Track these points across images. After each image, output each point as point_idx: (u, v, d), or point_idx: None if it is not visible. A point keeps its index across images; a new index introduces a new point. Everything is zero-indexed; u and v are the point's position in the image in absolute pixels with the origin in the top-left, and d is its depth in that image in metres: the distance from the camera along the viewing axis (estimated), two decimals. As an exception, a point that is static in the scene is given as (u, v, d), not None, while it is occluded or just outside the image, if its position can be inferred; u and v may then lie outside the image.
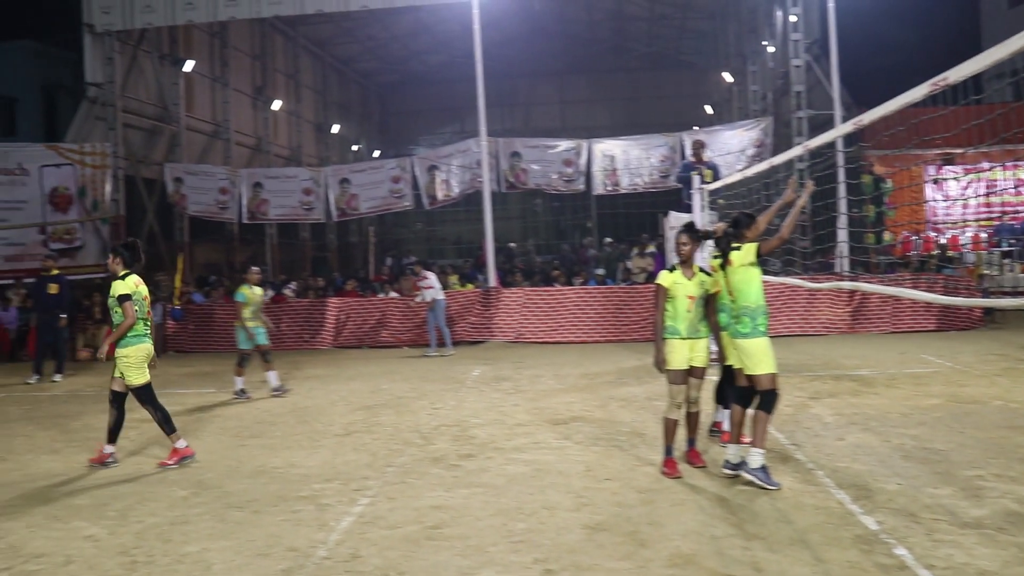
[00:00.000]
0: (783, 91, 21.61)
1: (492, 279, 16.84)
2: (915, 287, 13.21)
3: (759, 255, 6.14)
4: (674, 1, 31.02)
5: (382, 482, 6.51)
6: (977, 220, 19.67)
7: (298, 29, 30.99)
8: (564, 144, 20.05)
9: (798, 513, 5.40)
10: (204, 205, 21.41)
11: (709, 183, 11.22)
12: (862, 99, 17.47)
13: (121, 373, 7.21)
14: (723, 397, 7.18)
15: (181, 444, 7.32)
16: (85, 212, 19.33)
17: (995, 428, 7.51)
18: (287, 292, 19.35)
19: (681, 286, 6.35)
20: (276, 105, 30.10)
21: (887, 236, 17.28)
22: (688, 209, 12.21)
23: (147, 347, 7.29)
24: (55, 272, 14.00)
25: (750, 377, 6.13)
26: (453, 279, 18.96)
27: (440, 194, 20.37)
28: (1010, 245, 18.72)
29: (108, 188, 19.65)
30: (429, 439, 8.00)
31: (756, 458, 5.97)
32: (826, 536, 4.98)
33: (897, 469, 6.30)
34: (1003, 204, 19.50)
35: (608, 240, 23.24)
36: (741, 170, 13.67)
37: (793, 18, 19.77)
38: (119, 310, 7.16)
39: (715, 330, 6.54)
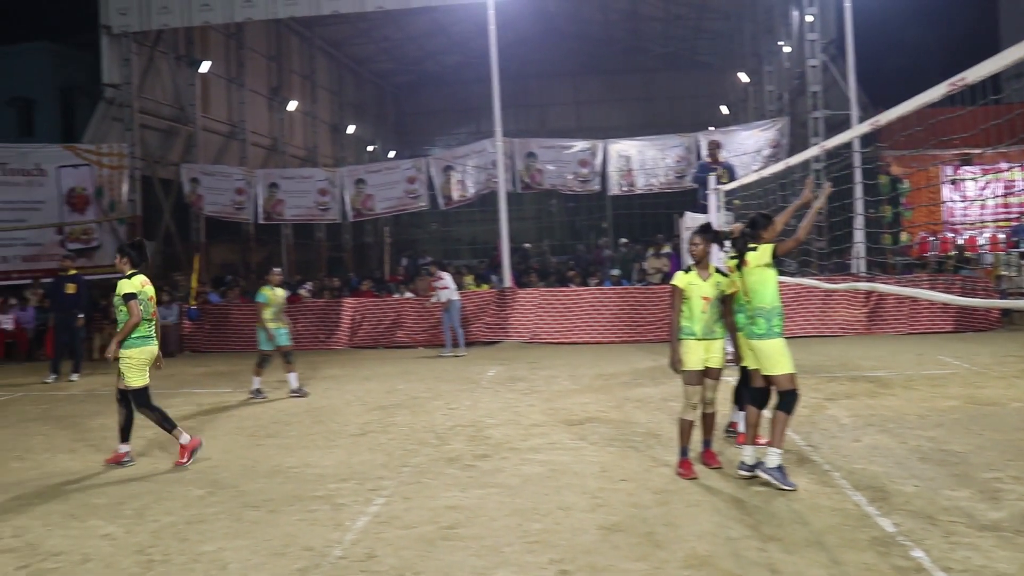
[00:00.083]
0: (799, 91, 21.54)
1: (507, 280, 16.85)
2: (932, 288, 13.12)
3: (775, 256, 6.13)
4: (689, 1, 30.90)
5: (397, 482, 6.52)
6: (995, 221, 19.48)
7: (314, 30, 31.10)
8: (579, 144, 20.05)
9: (814, 515, 5.38)
10: (220, 205, 21.54)
11: (725, 183, 11.20)
12: (879, 99, 17.36)
13: (121, 373, 7.25)
14: (741, 399, 7.16)
15: (185, 439, 7.34)
16: (102, 212, 19.49)
17: (1013, 430, 7.44)
18: (303, 292, 19.42)
19: (696, 287, 6.34)
20: (292, 106, 30.22)
21: (904, 237, 17.13)
22: (704, 210, 12.19)
23: (151, 349, 7.31)
24: (72, 272, 14.09)
25: (768, 378, 6.11)
26: (468, 279, 18.97)
27: (455, 194, 20.42)
28: (1028, 246, 18.52)
29: (125, 188, 19.83)
30: (444, 439, 8.01)
31: (773, 458, 5.96)
32: (843, 538, 4.95)
33: (914, 471, 6.26)
34: (1021, 205, 19.31)
35: (623, 241, 23.18)
36: (757, 171, 13.64)
37: (809, 18, 19.70)
38: (124, 308, 7.18)
39: (732, 331, 6.52)
